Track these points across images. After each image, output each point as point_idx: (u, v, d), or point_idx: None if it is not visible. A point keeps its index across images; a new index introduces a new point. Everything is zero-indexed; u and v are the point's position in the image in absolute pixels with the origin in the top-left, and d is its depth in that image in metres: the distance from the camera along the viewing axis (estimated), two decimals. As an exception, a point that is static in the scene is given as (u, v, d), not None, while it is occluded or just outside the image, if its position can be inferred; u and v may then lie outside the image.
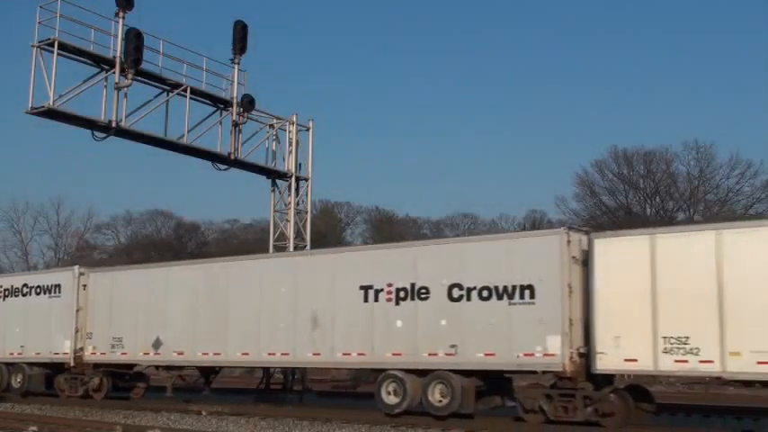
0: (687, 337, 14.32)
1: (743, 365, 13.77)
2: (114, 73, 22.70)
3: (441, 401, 16.95)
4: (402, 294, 17.75)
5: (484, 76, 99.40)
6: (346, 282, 18.63)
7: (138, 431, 16.09)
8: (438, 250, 18.20)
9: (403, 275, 17.79)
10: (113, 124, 22.68)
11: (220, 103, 25.75)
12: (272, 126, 27.26)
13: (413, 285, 17.62)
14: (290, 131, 27.56)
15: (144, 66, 23.25)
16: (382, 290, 18.05)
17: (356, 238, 70.04)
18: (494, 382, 17.45)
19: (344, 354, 18.47)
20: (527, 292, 16.07)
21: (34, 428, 15.93)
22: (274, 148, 27.27)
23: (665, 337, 14.53)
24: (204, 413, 19.42)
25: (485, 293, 16.62)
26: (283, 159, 27.45)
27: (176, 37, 68.76)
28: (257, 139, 26.92)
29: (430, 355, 17.18)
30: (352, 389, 28.61)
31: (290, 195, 27.37)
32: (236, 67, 25.88)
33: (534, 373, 16.33)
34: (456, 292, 17.00)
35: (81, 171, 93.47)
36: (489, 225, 67.53)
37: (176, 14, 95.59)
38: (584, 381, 15.55)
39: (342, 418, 17.52)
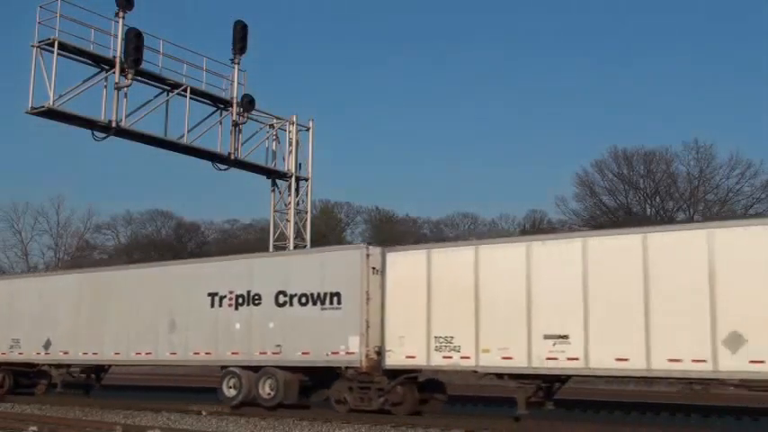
0: (452, 337, 16.74)
1: (491, 360, 16.20)
2: (114, 73, 22.70)
3: (269, 394, 19.23)
4: (240, 300, 20.11)
5: (484, 75, 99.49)
6: (198, 289, 20.86)
7: (138, 431, 16.08)
8: (270, 262, 20.60)
9: (241, 284, 20.14)
10: (113, 124, 22.68)
11: (220, 103, 25.74)
12: (272, 126, 27.26)
13: (248, 292, 19.97)
14: (289, 131, 27.56)
15: (144, 66, 23.25)
16: (225, 296, 20.39)
17: (356, 237, 70.09)
18: (321, 378, 19.21)
19: (195, 353, 20.80)
20: (335, 299, 18.34)
21: (34, 428, 15.92)
22: (274, 148, 27.32)
23: (436, 337, 16.94)
24: (204, 413, 19.41)
25: (303, 300, 18.88)
26: (283, 159, 27.46)
27: (176, 37, 68.91)
28: (257, 139, 26.96)
29: (261, 353, 19.52)
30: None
31: (290, 195, 27.38)
32: (236, 67, 25.88)
33: (341, 368, 18.33)
34: (281, 299, 19.28)
35: (81, 171, 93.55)
36: (489, 225, 67.64)
37: (176, 14, 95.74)
38: (380, 375, 17.69)
39: (342, 418, 17.53)
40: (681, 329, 14.09)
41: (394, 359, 17.50)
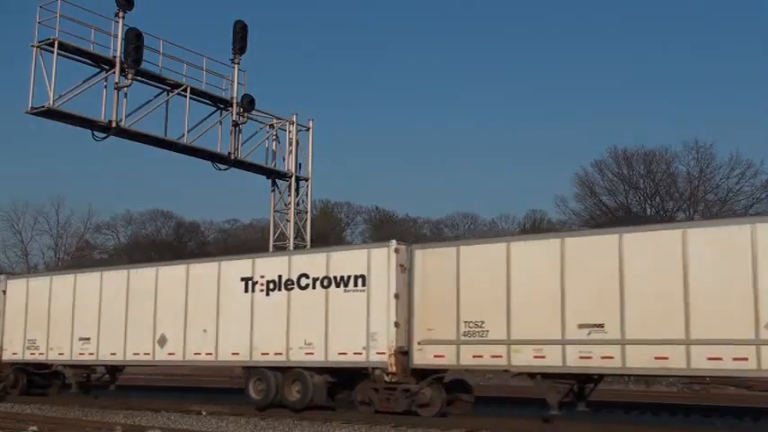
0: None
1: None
2: (114, 73, 22.72)
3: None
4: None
5: (484, 75, 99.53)
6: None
7: (138, 431, 16.08)
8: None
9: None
10: (113, 124, 22.70)
11: (220, 103, 25.76)
12: (272, 126, 27.29)
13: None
14: (289, 131, 27.58)
15: (144, 66, 23.28)
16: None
17: (356, 237, 70.12)
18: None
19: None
20: None
21: (34, 428, 15.91)
22: (274, 148, 27.37)
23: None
24: (204, 413, 19.40)
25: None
26: (283, 159, 27.50)
27: (176, 37, 68.97)
28: (257, 139, 27.01)
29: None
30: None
31: (290, 195, 27.40)
32: (236, 66, 25.91)
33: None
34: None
35: (81, 171, 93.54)
36: (489, 225, 67.60)
37: (176, 14, 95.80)
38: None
39: (342, 418, 17.52)
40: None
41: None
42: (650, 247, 14.82)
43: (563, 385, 15.74)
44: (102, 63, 22.80)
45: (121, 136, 23.54)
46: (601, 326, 14.95)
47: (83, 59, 22.67)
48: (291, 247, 26.62)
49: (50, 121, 22.63)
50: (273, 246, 27.18)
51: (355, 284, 18.19)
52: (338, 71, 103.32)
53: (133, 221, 74.10)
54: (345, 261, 18.63)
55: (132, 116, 23.49)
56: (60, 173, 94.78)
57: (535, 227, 58.51)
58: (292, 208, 27.33)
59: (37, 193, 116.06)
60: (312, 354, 18.61)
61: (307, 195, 27.97)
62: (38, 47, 21.68)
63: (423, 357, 17.09)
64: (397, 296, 17.51)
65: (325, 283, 18.68)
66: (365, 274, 18.03)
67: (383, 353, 17.42)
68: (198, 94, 25.02)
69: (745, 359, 13.60)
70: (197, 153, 25.52)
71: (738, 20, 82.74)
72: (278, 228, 27.49)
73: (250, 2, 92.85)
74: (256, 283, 19.76)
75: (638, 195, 53.48)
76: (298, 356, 18.76)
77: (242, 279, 19.97)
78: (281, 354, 19.03)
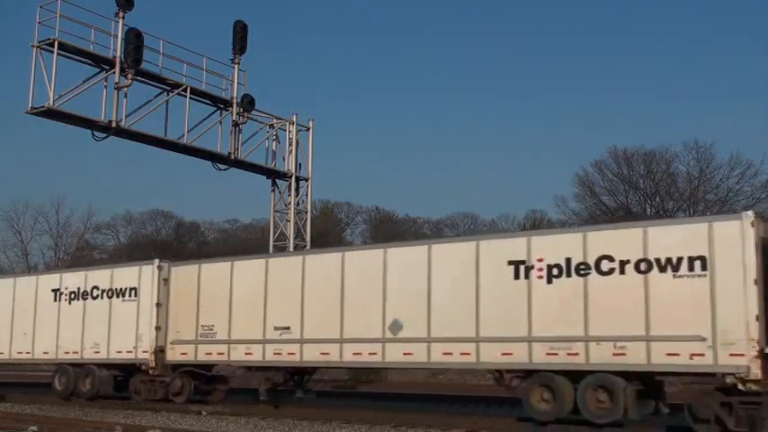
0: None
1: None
2: (114, 73, 22.73)
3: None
4: None
5: (484, 75, 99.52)
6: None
7: (138, 431, 16.08)
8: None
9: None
10: (113, 124, 22.71)
11: (220, 103, 25.77)
12: (272, 126, 27.30)
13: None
14: (289, 131, 27.60)
15: (144, 66, 23.30)
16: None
17: (356, 237, 70.10)
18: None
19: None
20: None
21: (34, 428, 15.91)
22: (274, 148, 27.40)
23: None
24: (204, 413, 19.42)
25: None
26: (283, 159, 27.52)
27: (176, 37, 68.99)
28: (257, 139, 27.03)
29: None
30: (352, 389, 28.63)
31: (290, 195, 27.41)
32: (236, 66, 25.92)
33: None
34: None
35: (81, 171, 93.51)
36: (489, 225, 67.51)
37: (176, 14, 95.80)
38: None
39: (342, 418, 17.53)
40: None
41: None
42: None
43: (271, 375, 19.75)
44: (102, 63, 22.81)
45: (121, 136, 23.55)
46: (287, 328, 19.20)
47: (83, 59, 22.68)
48: (291, 248, 26.63)
49: (50, 121, 22.65)
50: (273, 246, 27.19)
51: (130, 295, 22.35)
52: (338, 71, 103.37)
53: (133, 221, 74.08)
54: (124, 275, 22.74)
55: (132, 116, 23.55)
56: (60, 173, 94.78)
57: (535, 226, 58.37)
58: (292, 208, 27.34)
59: (37, 193, 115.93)
60: (99, 352, 22.65)
61: (307, 195, 28.00)
62: (38, 47, 21.69)
63: (173, 354, 21.31)
64: (158, 304, 21.62)
65: (110, 293, 22.82)
66: (137, 286, 22.21)
67: (147, 351, 21.54)
68: (198, 94, 25.03)
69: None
70: (197, 153, 25.53)
71: (738, 20, 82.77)
72: (278, 228, 27.50)
73: (250, 2, 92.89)
74: (62, 293, 23.94)
75: (638, 195, 53.40)
76: (89, 354, 22.92)
77: (52, 290, 24.29)
78: (77, 352, 23.15)
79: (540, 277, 15.90)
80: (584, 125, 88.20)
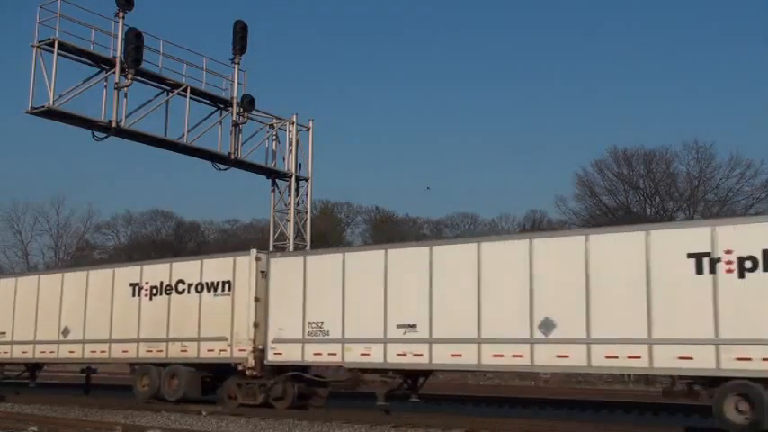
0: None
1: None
2: (114, 73, 22.70)
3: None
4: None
5: (484, 75, 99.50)
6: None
7: (138, 431, 16.09)
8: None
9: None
10: (113, 124, 22.68)
11: (220, 103, 25.75)
12: (272, 126, 27.28)
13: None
14: (289, 131, 27.57)
15: (144, 66, 23.25)
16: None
17: (356, 238, 70.13)
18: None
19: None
20: None
21: (34, 428, 15.92)
22: (274, 148, 27.34)
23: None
24: (204, 413, 19.42)
25: None
26: (283, 159, 27.48)
27: (176, 37, 68.97)
28: (257, 139, 26.97)
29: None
30: (352, 389, 28.54)
31: (290, 195, 27.39)
32: (236, 67, 25.88)
33: None
34: None
35: (81, 171, 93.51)
36: (489, 225, 67.57)
37: (176, 14, 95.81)
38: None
39: (342, 418, 17.53)
40: None
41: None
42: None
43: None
44: (102, 63, 22.79)
45: (121, 136, 23.52)
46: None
47: (83, 59, 22.65)
48: (291, 248, 26.62)
49: (50, 121, 22.63)
50: (274, 246, 27.17)
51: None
52: (338, 71, 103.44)
53: (133, 221, 74.16)
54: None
55: (132, 116, 23.49)
56: (60, 173, 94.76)
57: (535, 227, 58.41)
58: (292, 208, 27.33)
59: (37, 193, 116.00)
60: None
61: (307, 195, 27.97)
62: (38, 47, 21.65)
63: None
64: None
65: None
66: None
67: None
68: (198, 94, 25.01)
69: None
70: (197, 153, 25.51)
71: (738, 20, 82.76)
72: (278, 228, 27.48)
73: (250, 2, 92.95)
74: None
75: (638, 195, 53.43)
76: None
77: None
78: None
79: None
80: (584, 125, 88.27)
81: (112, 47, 22.77)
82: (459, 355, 16.63)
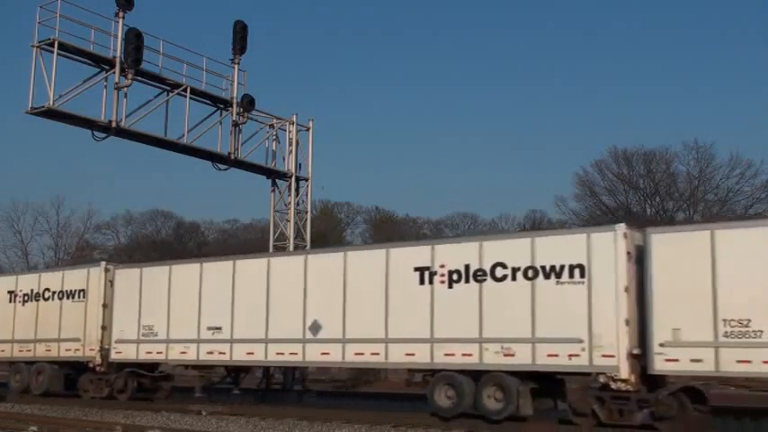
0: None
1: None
2: (114, 73, 22.72)
3: None
4: None
5: (484, 75, 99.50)
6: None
7: (138, 431, 16.09)
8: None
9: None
10: (113, 124, 22.70)
11: (220, 103, 25.76)
12: (272, 126, 27.29)
13: None
14: (289, 131, 27.58)
15: (144, 66, 23.27)
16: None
17: (356, 238, 70.09)
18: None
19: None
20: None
21: (34, 428, 15.93)
22: (274, 148, 27.37)
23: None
24: (204, 413, 19.42)
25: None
26: (283, 159, 27.50)
27: (176, 37, 68.96)
28: (257, 139, 27.00)
29: None
30: (352, 389, 28.62)
31: (290, 195, 27.40)
32: (236, 67, 25.89)
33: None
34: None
35: (81, 171, 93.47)
36: (489, 225, 67.54)
37: (176, 14, 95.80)
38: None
39: (342, 418, 17.53)
40: None
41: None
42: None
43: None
44: (102, 63, 22.80)
45: (121, 136, 23.54)
46: None
47: (83, 59, 22.66)
48: (291, 248, 26.63)
49: (50, 121, 22.64)
50: (273, 246, 27.18)
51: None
52: (338, 71, 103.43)
53: (133, 221, 74.08)
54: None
55: (132, 116, 23.53)
56: (60, 173, 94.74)
57: (534, 227, 58.37)
58: (292, 208, 27.33)
59: (37, 193, 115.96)
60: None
61: (307, 195, 27.98)
62: (38, 47, 21.67)
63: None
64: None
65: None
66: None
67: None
68: (198, 94, 25.02)
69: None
70: (197, 153, 25.52)
71: (738, 20, 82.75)
72: (278, 228, 27.49)
73: (250, 2, 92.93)
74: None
75: (638, 195, 53.42)
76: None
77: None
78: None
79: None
80: (584, 125, 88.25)
81: (112, 47, 22.82)
82: (252, 353, 19.67)
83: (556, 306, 15.66)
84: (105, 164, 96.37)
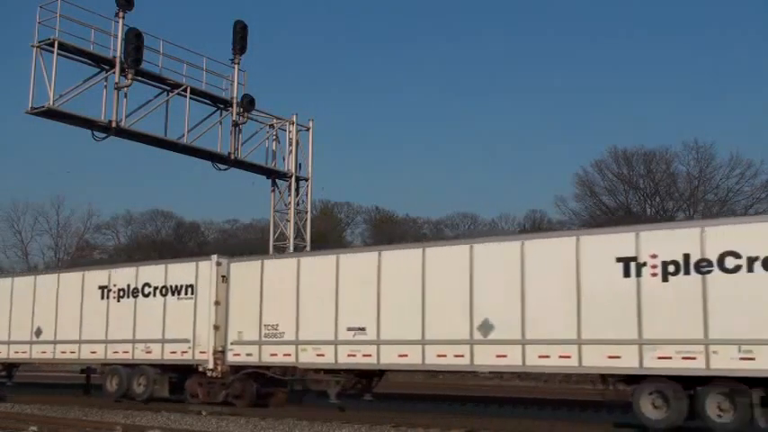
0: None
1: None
2: (114, 73, 22.72)
3: None
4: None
5: (484, 75, 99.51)
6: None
7: (138, 431, 16.09)
8: None
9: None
10: (113, 124, 22.70)
11: (220, 103, 25.76)
12: (271, 126, 27.29)
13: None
14: (289, 131, 27.59)
15: (144, 66, 23.28)
16: None
17: (356, 238, 70.08)
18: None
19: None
20: None
21: (34, 428, 15.92)
22: (274, 148, 27.38)
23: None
24: (204, 413, 19.43)
25: None
26: (283, 159, 27.51)
27: (176, 37, 68.99)
28: (257, 139, 27.01)
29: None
30: (352, 389, 28.54)
31: (290, 195, 27.41)
32: (236, 67, 25.90)
33: None
34: None
35: (81, 171, 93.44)
36: (489, 225, 67.50)
37: (176, 14, 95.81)
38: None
39: (342, 418, 17.53)
40: None
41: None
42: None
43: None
44: (102, 63, 22.80)
45: (121, 136, 23.54)
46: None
47: (83, 59, 22.66)
48: (291, 248, 26.63)
49: (50, 121, 22.64)
50: (273, 246, 27.18)
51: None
52: (338, 71, 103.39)
53: (133, 221, 74.05)
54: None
55: (132, 116, 23.52)
56: (60, 173, 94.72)
57: (535, 227, 58.37)
58: (292, 208, 27.34)
59: (37, 193, 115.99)
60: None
61: (307, 195, 27.99)
62: (38, 47, 21.67)
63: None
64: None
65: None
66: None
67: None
68: (198, 94, 25.02)
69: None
70: (197, 153, 25.52)
71: (738, 20, 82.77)
72: (278, 228, 27.49)
73: (250, 2, 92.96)
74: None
75: (638, 195, 53.42)
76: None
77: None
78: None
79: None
80: (584, 125, 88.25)
81: (112, 47, 22.82)
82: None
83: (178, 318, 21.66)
84: (105, 164, 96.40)
